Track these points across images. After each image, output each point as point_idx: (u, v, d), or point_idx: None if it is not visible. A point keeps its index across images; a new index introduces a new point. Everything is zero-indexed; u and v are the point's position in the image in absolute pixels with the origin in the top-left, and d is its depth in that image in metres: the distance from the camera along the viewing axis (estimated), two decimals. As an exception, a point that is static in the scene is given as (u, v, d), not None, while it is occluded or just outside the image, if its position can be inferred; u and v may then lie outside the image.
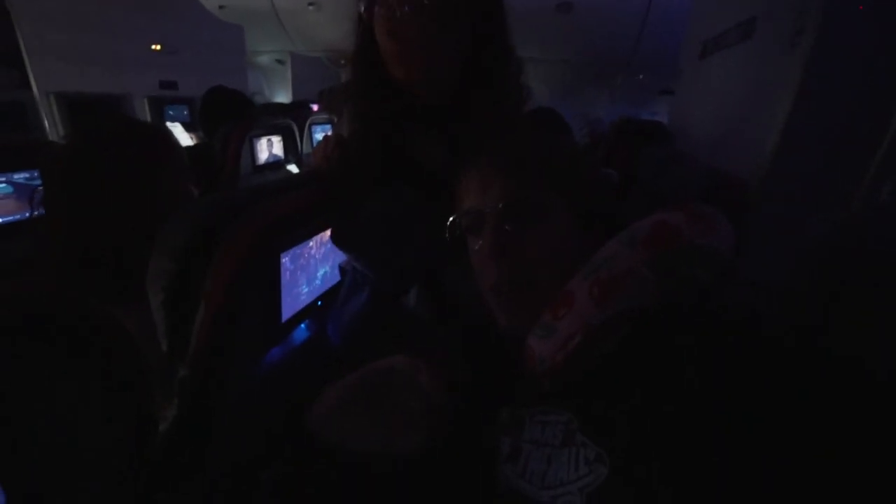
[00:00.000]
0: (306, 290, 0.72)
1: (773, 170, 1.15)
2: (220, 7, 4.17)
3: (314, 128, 2.71)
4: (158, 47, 2.85)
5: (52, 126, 2.15)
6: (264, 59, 5.79)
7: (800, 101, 1.08)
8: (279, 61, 5.88)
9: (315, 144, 2.85)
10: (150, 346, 0.54)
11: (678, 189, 1.33)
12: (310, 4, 4.28)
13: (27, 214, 1.24)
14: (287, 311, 0.67)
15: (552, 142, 0.54)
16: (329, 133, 0.78)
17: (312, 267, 0.73)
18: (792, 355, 0.34)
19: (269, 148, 2.20)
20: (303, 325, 0.74)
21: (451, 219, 0.53)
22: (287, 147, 2.35)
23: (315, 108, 3.49)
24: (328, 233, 0.75)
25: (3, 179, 1.23)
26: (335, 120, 0.80)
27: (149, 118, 2.63)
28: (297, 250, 0.66)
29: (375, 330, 0.73)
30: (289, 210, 0.60)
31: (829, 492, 0.29)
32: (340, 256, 0.81)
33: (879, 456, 0.29)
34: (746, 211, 1.15)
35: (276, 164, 2.25)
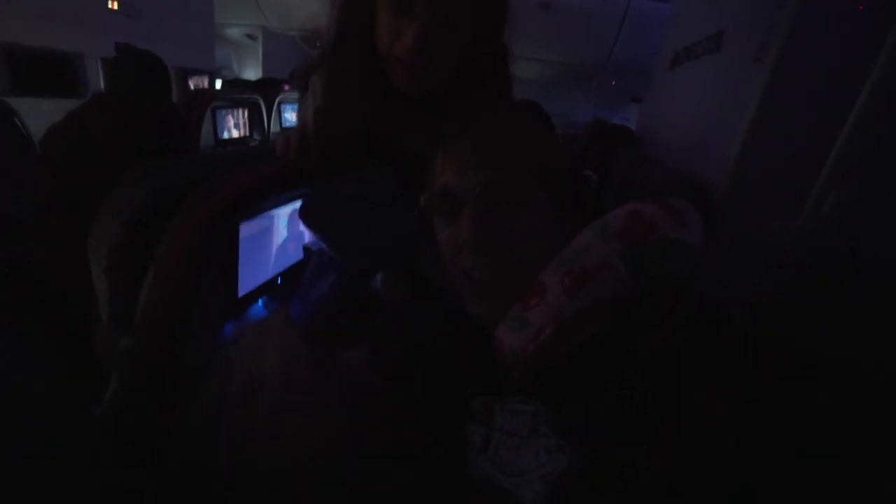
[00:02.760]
0: (266, 265, 0.69)
1: (736, 178, 1.21)
2: (189, -28, 3.93)
3: (284, 106, 2.62)
4: (115, 6, 2.65)
5: (-11, 80, 1.95)
6: (234, 33, 5.52)
7: (762, 113, 1.13)
8: (250, 36, 5.62)
9: (284, 123, 2.75)
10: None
11: (648, 189, 1.37)
12: (286, -22, 4.11)
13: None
14: (244, 286, 0.63)
15: (535, 129, 0.53)
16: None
17: (274, 242, 0.70)
18: (762, 347, 0.34)
19: (233, 123, 2.10)
20: (261, 302, 0.70)
21: (423, 196, 0.51)
22: (253, 123, 2.26)
23: (287, 87, 3.37)
24: (291, 207, 0.72)
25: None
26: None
27: (101, 82, 2.44)
28: (257, 222, 0.62)
29: (345, 313, 0.70)
30: (253, 179, 0.57)
31: (803, 481, 0.30)
32: (303, 233, 0.77)
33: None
34: (712, 214, 1.20)
35: (240, 141, 2.16)
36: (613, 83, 4.61)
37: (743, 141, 1.18)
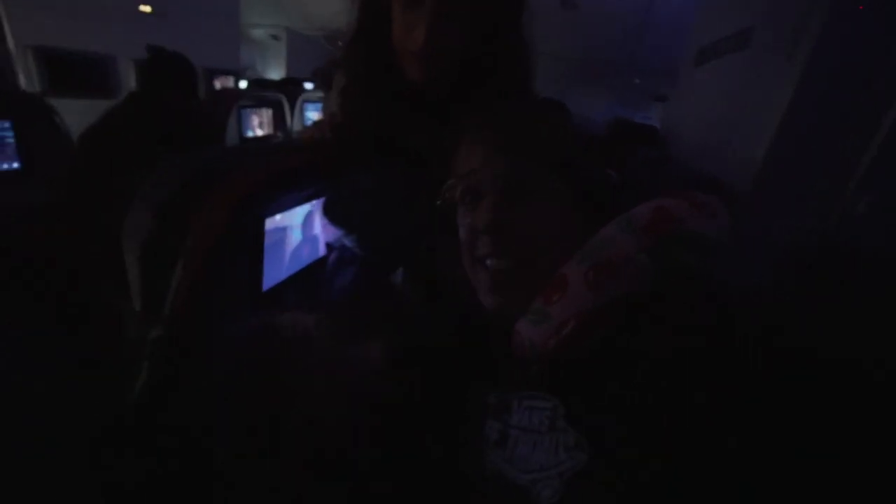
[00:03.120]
0: (290, 261, 0.71)
1: (762, 179, 1.17)
2: (216, -26, 4.03)
3: (306, 105, 2.66)
4: (148, 9, 2.74)
5: (28, 80, 2.04)
6: (259, 33, 5.64)
7: (792, 111, 1.09)
8: (274, 37, 5.73)
9: (306, 122, 2.80)
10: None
11: (669, 188, 1.34)
12: (309, -21, 4.17)
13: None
14: (269, 281, 0.65)
15: (558, 122, 0.53)
16: (321, 111, 0.76)
17: (297, 238, 0.71)
18: (785, 351, 0.34)
19: (257, 121, 2.14)
20: (285, 297, 0.72)
21: (445, 185, 0.51)
22: (276, 122, 2.30)
23: (309, 86, 3.42)
24: (314, 204, 0.73)
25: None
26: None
27: (134, 82, 2.53)
28: (281, 218, 0.64)
29: (364, 307, 0.71)
30: (276, 173, 0.59)
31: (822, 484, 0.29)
32: (328, 230, 0.79)
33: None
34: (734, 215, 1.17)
35: (264, 139, 2.20)
36: (637, 81, 4.53)
37: (771, 141, 1.15)
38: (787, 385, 0.31)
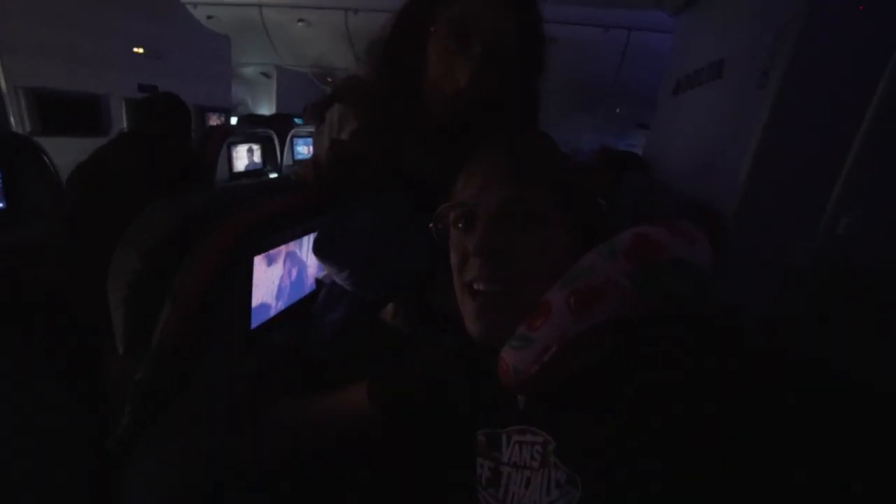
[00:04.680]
0: (278, 297, 0.70)
1: (745, 201, 1.20)
2: (209, 17, 4.16)
3: (296, 140, 2.70)
4: (141, 50, 2.80)
5: (18, 121, 2.06)
6: (249, 71, 5.77)
7: (768, 137, 1.14)
8: (265, 74, 5.87)
9: (296, 156, 2.83)
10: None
11: (658, 214, 1.37)
12: (299, 21, 4.32)
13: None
14: (257, 318, 0.64)
15: (557, 153, 0.54)
16: (311, 145, 0.77)
17: (286, 274, 0.71)
18: (784, 369, 0.33)
19: (247, 156, 2.16)
20: (272, 335, 0.71)
21: (439, 209, 0.51)
22: (266, 157, 2.33)
23: (298, 122, 3.48)
24: (303, 240, 0.73)
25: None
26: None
27: (124, 120, 2.56)
28: (271, 255, 0.64)
29: (358, 341, 0.70)
30: (266, 213, 0.59)
31: None
32: (315, 265, 0.78)
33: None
34: (721, 237, 1.19)
35: (254, 173, 2.22)
36: (618, 111, 4.69)
37: (751, 165, 1.18)
38: (786, 413, 0.31)
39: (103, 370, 0.60)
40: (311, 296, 0.80)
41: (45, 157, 1.21)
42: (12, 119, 2.08)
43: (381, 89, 0.69)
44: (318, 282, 0.81)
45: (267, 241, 0.61)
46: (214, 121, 3.49)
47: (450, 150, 0.64)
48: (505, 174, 0.47)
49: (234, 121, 3.92)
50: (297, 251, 0.73)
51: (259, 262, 0.60)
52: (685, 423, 0.33)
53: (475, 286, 0.47)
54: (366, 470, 0.57)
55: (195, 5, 3.91)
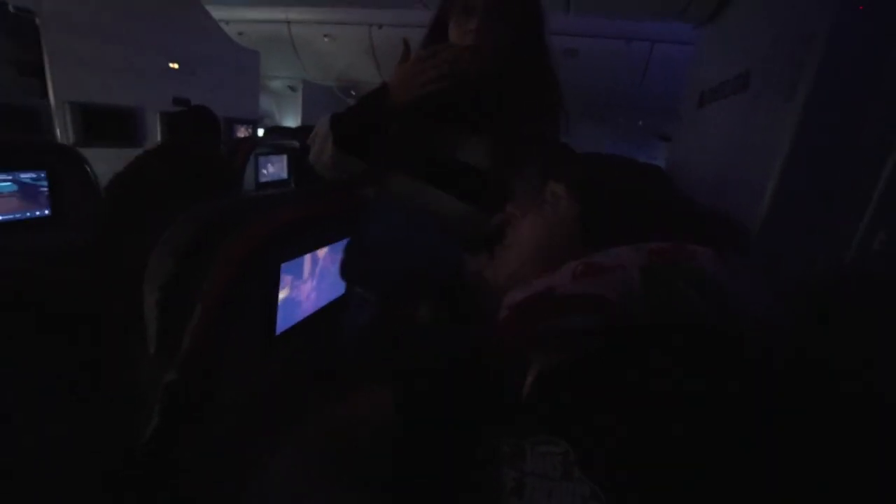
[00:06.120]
0: (304, 304, 0.72)
1: (772, 216, 1.17)
2: (240, 33, 4.33)
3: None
4: (176, 65, 2.94)
5: (63, 132, 2.18)
6: (277, 84, 5.96)
7: (796, 151, 1.11)
8: (291, 88, 6.06)
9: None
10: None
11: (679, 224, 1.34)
12: (325, 36, 4.45)
13: (27, 214, 1.24)
14: (282, 325, 0.66)
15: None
16: None
17: (312, 281, 0.73)
18: (801, 376, 0.33)
19: (274, 167, 2.23)
20: (298, 341, 0.73)
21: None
22: (292, 167, 2.39)
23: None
24: (330, 247, 0.75)
25: (9, 178, 1.24)
26: None
27: (158, 132, 2.68)
28: (297, 262, 0.65)
29: (384, 344, 0.72)
30: (293, 220, 0.61)
31: None
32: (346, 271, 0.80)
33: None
34: (745, 252, 1.16)
35: (279, 184, 2.28)
36: (640, 123, 4.64)
37: (778, 178, 1.16)
38: (802, 426, 0.30)
39: (127, 375, 0.62)
40: (338, 301, 0.82)
41: (88, 167, 1.28)
42: (58, 130, 2.21)
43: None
44: (348, 286, 0.82)
45: (294, 247, 0.63)
46: (242, 132, 3.62)
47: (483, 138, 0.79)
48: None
49: (260, 132, 4.04)
50: (325, 257, 0.75)
51: (286, 268, 0.62)
52: (698, 437, 0.32)
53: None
54: (386, 475, 0.58)
55: (227, 22, 4.08)
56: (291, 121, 6.23)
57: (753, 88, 1.48)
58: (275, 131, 4.17)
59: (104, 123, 2.32)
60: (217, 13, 3.54)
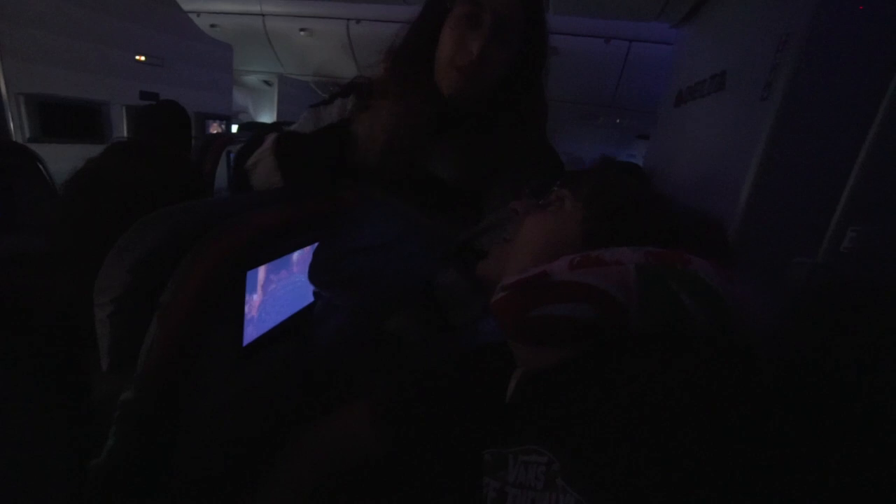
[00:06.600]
0: (272, 312, 0.68)
1: (748, 215, 1.19)
2: (212, 26, 4.19)
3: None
4: (143, 58, 2.81)
5: (17, 128, 2.05)
6: (252, 79, 5.80)
7: (772, 150, 1.12)
8: (266, 82, 5.90)
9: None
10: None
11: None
12: (301, 30, 4.34)
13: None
14: (249, 335, 0.62)
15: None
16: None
17: (280, 288, 0.69)
18: (790, 384, 0.32)
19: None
20: (266, 351, 0.69)
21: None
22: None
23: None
24: (298, 253, 0.71)
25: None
26: None
27: (125, 127, 2.56)
28: (264, 269, 0.62)
29: (355, 352, 0.69)
30: (260, 225, 0.57)
31: None
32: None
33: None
34: (726, 250, 1.17)
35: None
36: (618, 121, 4.70)
37: (754, 177, 1.17)
38: (792, 433, 0.29)
39: (89, 387, 0.58)
40: (308, 308, 0.78)
41: (41, 166, 1.20)
42: (11, 125, 2.08)
43: (400, 72, 0.74)
44: (315, 294, 0.79)
45: (261, 254, 0.59)
46: (215, 128, 3.50)
47: (467, 143, 0.71)
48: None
49: (234, 128, 3.92)
50: (293, 263, 0.71)
51: (252, 276, 0.58)
52: (689, 452, 0.31)
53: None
54: (369, 497, 0.56)
55: (198, 14, 3.93)
56: (267, 117, 6.07)
57: (730, 89, 1.50)
58: (250, 128, 4.06)
59: (64, 118, 2.20)
60: (187, 4, 3.41)
